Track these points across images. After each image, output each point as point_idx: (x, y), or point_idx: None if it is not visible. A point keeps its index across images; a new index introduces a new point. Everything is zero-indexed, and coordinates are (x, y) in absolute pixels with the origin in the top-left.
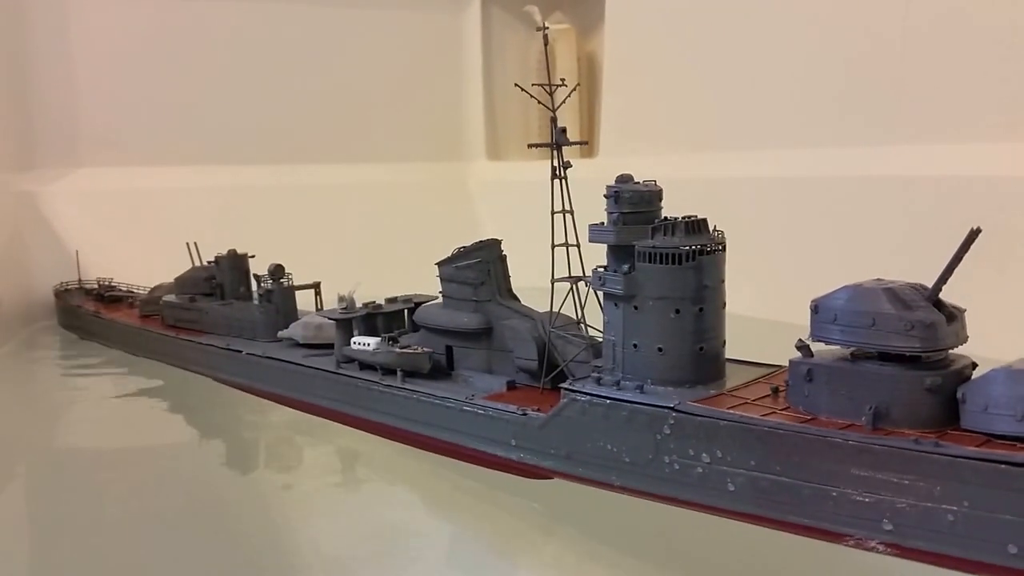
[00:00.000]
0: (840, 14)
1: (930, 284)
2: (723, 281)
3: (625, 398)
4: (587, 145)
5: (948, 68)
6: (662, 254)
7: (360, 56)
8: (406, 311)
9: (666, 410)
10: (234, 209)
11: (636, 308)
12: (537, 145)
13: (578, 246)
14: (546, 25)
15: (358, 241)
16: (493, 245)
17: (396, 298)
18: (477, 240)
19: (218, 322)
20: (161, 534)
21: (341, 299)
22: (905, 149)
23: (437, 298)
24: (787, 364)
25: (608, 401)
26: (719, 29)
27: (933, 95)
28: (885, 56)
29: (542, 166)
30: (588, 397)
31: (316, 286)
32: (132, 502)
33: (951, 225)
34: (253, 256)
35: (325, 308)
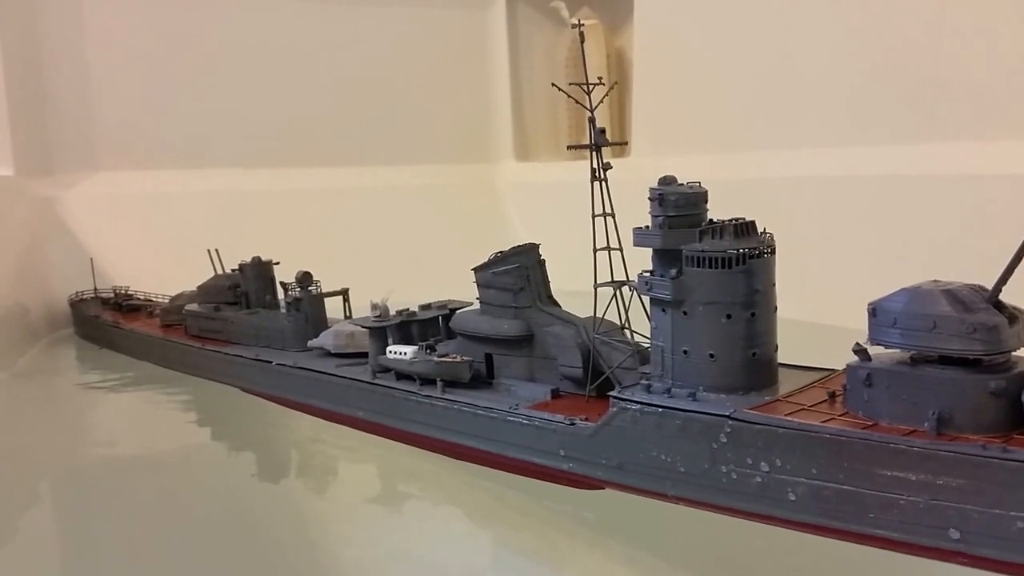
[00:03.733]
0: (872, 10)
1: (978, 283)
2: (774, 284)
3: (678, 406)
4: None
5: (989, 62)
6: (711, 258)
7: (385, 57)
8: (441, 318)
9: (722, 418)
10: (256, 214)
11: (685, 313)
12: (576, 147)
13: (620, 249)
14: (580, 22)
15: (385, 245)
16: (531, 250)
17: (430, 304)
18: (513, 245)
19: (244, 332)
20: (191, 546)
21: (375, 307)
22: (944, 147)
23: (472, 303)
24: (836, 368)
25: (660, 409)
26: (751, 24)
27: (974, 91)
28: (923, 51)
29: (572, 167)
30: (639, 405)
31: (344, 292)
32: (162, 513)
33: (992, 223)
34: (278, 263)
35: (354, 315)
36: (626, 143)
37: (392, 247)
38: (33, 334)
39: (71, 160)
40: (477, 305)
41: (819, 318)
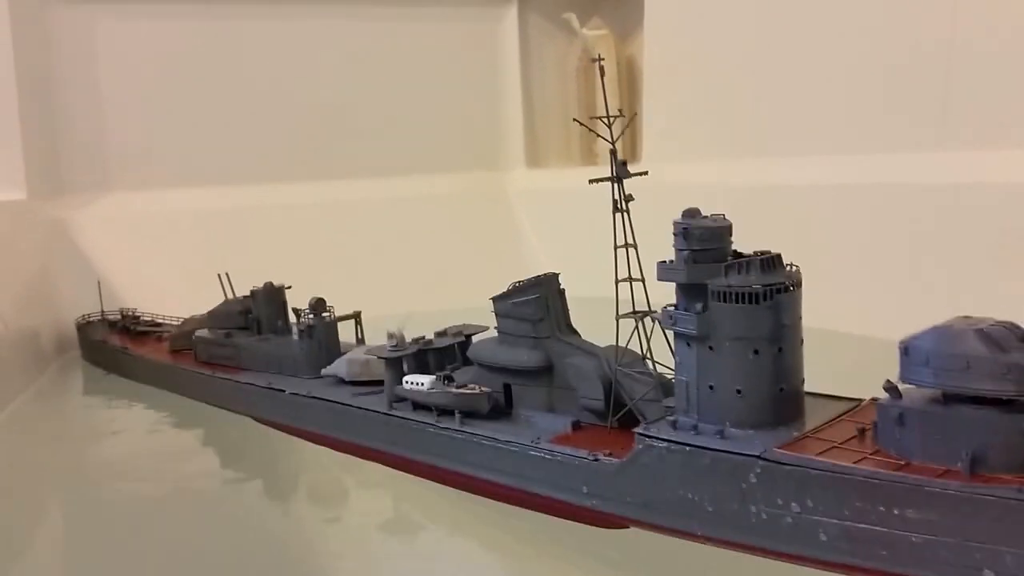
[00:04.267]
0: (886, 16)
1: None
2: (800, 318)
3: (707, 445)
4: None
5: (1005, 70)
6: (738, 293)
7: (396, 68)
8: (457, 344)
9: (752, 458)
10: (267, 229)
11: (711, 348)
12: (598, 180)
13: (643, 280)
14: (600, 56)
15: (397, 254)
16: (551, 280)
17: (446, 331)
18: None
19: (256, 358)
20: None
21: (391, 336)
22: (955, 156)
23: (487, 328)
24: (865, 398)
25: (688, 448)
26: (761, 31)
27: (988, 99)
28: (935, 58)
29: (582, 173)
30: (666, 443)
31: (356, 316)
32: (170, 540)
33: (1004, 232)
34: (290, 287)
35: (366, 337)
36: (647, 173)
37: (404, 256)
38: (44, 358)
39: (82, 181)
40: (493, 330)
41: (829, 324)
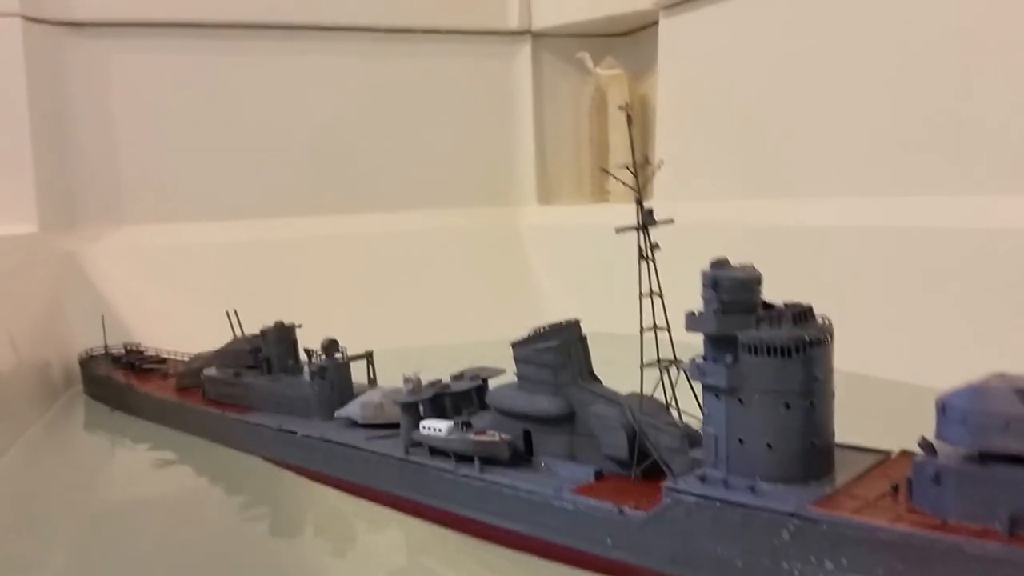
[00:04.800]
0: (895, 57)
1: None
2: (832, 371)
3: (738, 500)
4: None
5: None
6: (770, 347)
7: (410, 103)
8: (473, 390)
9: (786, 516)
10: (274, 263)
11: (741, 401)
12: (624, 229)
13: (668, 329)
14: (628, 103)
15: (408, 289)
16: (573, 326)
17: (462, 374)
18: (554, 322)
19: (267, 399)
20: None
21: (407, 380)
22: (971, 200)
23: (503, 371)
24: (894, 450)
25: (718, 503)
26: (774, 73)
27: (1004, 143)
28: (950, 98)
29: (593, 210)
30: (695, 497)
31: (368, 356)
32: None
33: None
34: (300, 326)
35: (378, 377)
36: (672, 221)
37: (414, 291)
38: (53, 392)
39: (94, 214)
40: (510, 373)
41: (846, 366)
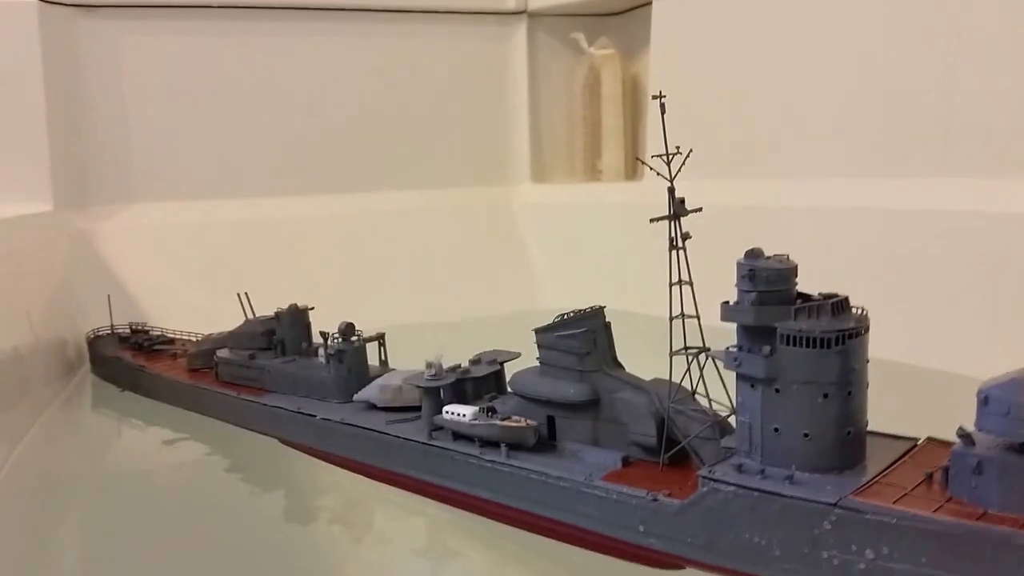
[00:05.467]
0: (893, 39)
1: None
2: (867, 361)
3: (778, 491)
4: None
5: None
6: (809, 338)
7: (407, 83)
8: (494, 373)
9: (828, 506)
10: (274, 241)
11: (778, 391)
12: (657, 219)
13: (697, 317)
14: (662, 92)
15: (404, 266)
16: (598, 314)
17: (480, 358)
18: (580, 309)
19: (283, 381)
20: None
21: (429, 365)
22: (960, 183)
23: (519, 355)
24: (920, 437)
25: (757, 493)
26: (766, 53)
27: (992, 125)
28: (936, 83)
29: (585, 189)
30: (733, 487)
31: (380, 338)
32: (187, 550)
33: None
34: (312, 308)
35: (390, 359)
36: (700, 209)
37: (410, 268)
38: (69, 370)
39: (107, 193)
40: (523, 357)
41: None
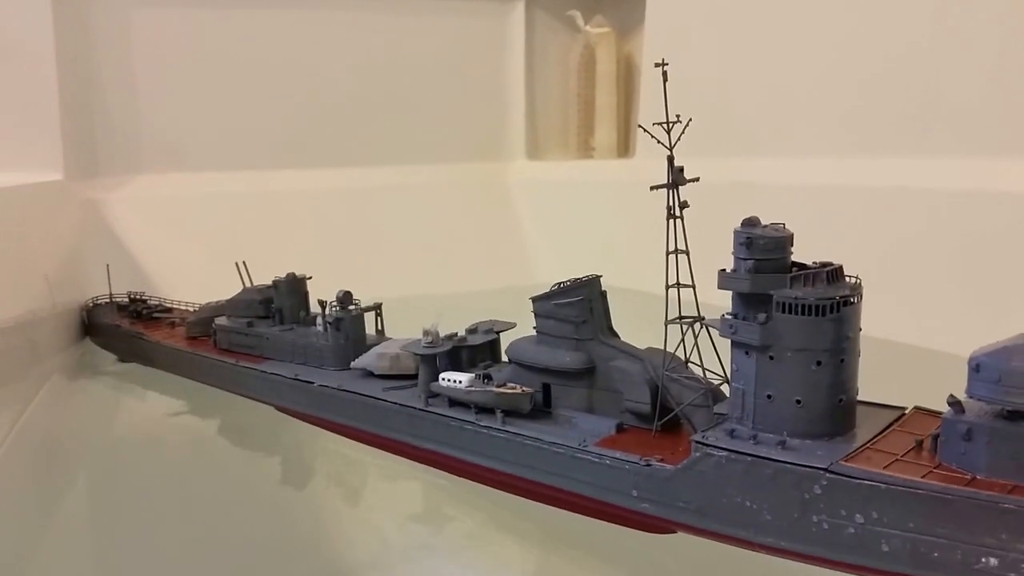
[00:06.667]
0: (885, 18)
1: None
2: (860, 330)
3: (770, 456)
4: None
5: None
6: (804, 305)
7: (405, 60)
8: (488, 342)
9: (818, 471)
10: (272, 214)
11: (772, 358)
12: (657, 187)
13: (693, 286)
14: (664, 60)
15: (401, 240)
16: (594, 282)
17: (476, 327)
18: (575, 278)
19: (281, 348)
20: (219, 554)
21: (426, 332)
22: (946, 162)
23: (515, 325)
24: (909, 406)
25: (749, 458)
26: (759, 33)
27: (986, 106)
28: (926, 61)
29: (579, 165)
30: (725, 452)
31: (378, 308)
32: (186, 517)
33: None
34: (310, 277)
35: (386, 328)
36: (698, 179)
37: (407, 242)
38: (76, 338)
39: (115, 163)
40: (519, 327)
41: None
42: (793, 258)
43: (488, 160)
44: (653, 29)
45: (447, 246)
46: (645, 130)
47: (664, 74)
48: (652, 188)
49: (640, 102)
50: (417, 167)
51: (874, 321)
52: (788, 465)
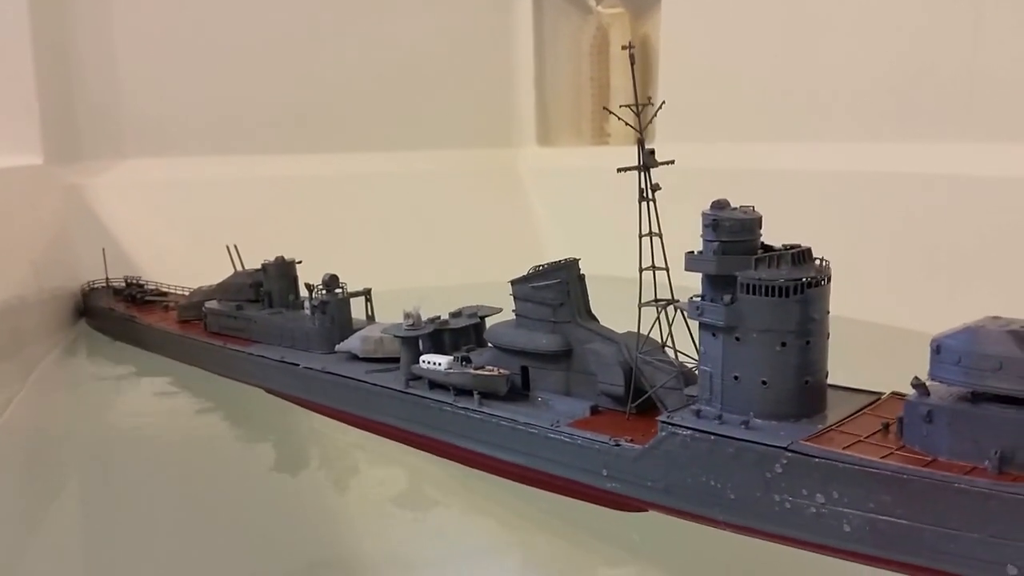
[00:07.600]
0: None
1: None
2: (828, 312)
3: (733, 435)
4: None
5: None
6: (768, 286)
7: (410, 43)
8: (471, 327)
9: (779, 450)
10: (275, 200)
11: (738, 339)
12: (626, 168)
13: (667, 269)
14: (632, 44)
15: (408, 229)
16: (572, 265)
17: (460, 311)
18: (554, 260)
19: (268, 332)
20: (209, 538)
21: (407, 315)
22: (973, 147)
23: (501, 310)
24: (885, 391)
25: (713, 437)
26: (779, 14)
27: (1000, 94)
28: (954, 47)
29: (592, 152)
30: (690, 431)
31: (367, 293)
32: (178, 499)
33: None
34: (300, 262)
35: (376, 314)
36: (672, 162)
37: (414, 231)
38: (63, 324)
39: (98, 147)
40: (504, 312)
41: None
42: (783, 243)
43: (496, 146)
44: (669, 9)
45: (455, 235)
46: (612, 112)
47: (632, 57)
48: (619, 170)
49: (658, 86)
50: (422, 153)
51: (863, 304)
52: (750, 444)
